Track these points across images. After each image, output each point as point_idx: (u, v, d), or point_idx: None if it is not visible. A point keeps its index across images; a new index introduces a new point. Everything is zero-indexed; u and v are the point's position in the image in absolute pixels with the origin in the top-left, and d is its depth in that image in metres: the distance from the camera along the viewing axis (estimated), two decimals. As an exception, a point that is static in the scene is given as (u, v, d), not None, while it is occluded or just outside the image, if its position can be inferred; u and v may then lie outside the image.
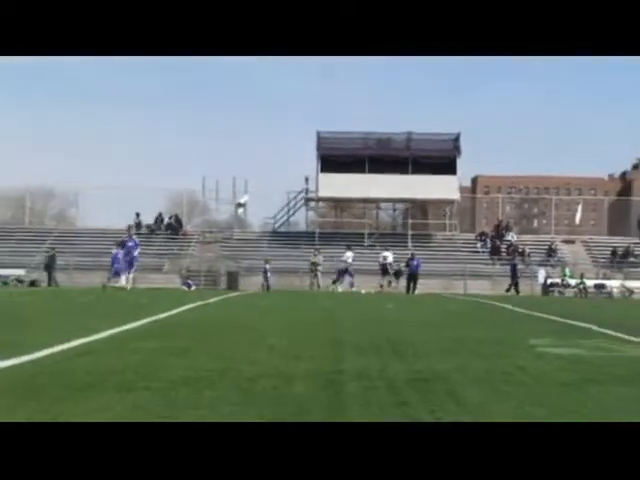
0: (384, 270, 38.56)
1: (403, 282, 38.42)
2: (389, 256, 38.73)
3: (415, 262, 38.20)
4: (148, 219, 46.10)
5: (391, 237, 46.10)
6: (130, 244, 35.28)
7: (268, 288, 37.09)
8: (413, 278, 37.93)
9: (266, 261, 38.81)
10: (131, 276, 34.18)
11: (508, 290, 37.81)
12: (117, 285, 33.61)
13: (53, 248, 38.30)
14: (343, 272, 38.39)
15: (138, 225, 45.17)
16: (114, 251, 35.46)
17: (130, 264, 34.66)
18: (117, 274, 34.20)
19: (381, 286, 37.98)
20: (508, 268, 40.39)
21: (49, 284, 36.07)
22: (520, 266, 40.26)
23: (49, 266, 36.72)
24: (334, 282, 37.88)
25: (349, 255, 38.75)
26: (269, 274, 38.25)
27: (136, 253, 35.47)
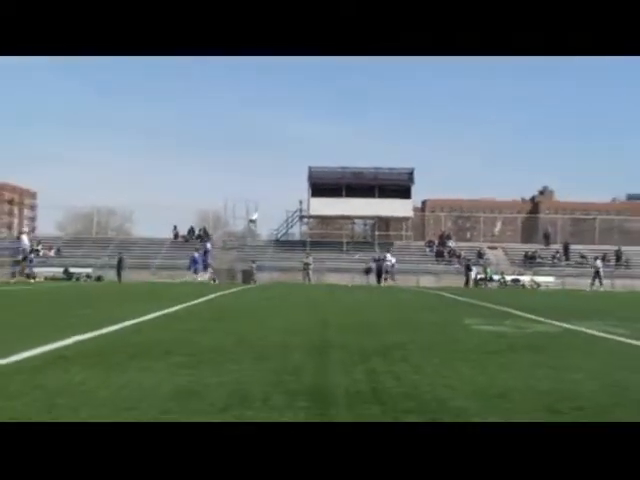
0: (386, 270, 38.32)
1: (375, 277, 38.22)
2: (393, 260, 38.46)
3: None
4: (183, 230, 45.90)
5: (363, 244, 46.13)
6: (209, 247, 36.42)
7: (249, 282, 37.23)
8: (381, 274, 37.83)
9: (253, 262, 38.83)
10: (208, 273, 35.05)
11: (474, 284, 37.59)
12: (200, 279, 33.86)
13: (120, 252, 37.78)
14: (383, 270, 37.75)
15: (176, 235, 44.94)
16: (195, 255, 36.00)
17: (205, 264, 35.52)
18: (204, 269, 35.09)
19: (385, 279, 37.71)
20: (452, 267, 40.60)
21: (119, 280, 35.29)
22: (457, 266, 40.45)
23: (118, 266, 36.22)
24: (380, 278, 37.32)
25: (389, 257, 38.35)
26: (255, 271, 38.28)
27: (209, 256, 36.46)
